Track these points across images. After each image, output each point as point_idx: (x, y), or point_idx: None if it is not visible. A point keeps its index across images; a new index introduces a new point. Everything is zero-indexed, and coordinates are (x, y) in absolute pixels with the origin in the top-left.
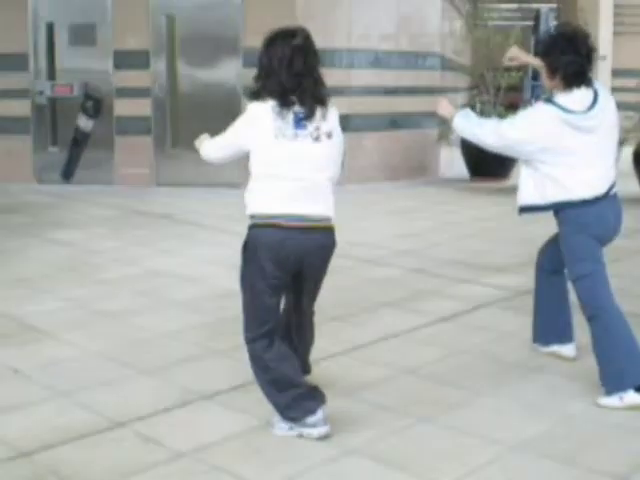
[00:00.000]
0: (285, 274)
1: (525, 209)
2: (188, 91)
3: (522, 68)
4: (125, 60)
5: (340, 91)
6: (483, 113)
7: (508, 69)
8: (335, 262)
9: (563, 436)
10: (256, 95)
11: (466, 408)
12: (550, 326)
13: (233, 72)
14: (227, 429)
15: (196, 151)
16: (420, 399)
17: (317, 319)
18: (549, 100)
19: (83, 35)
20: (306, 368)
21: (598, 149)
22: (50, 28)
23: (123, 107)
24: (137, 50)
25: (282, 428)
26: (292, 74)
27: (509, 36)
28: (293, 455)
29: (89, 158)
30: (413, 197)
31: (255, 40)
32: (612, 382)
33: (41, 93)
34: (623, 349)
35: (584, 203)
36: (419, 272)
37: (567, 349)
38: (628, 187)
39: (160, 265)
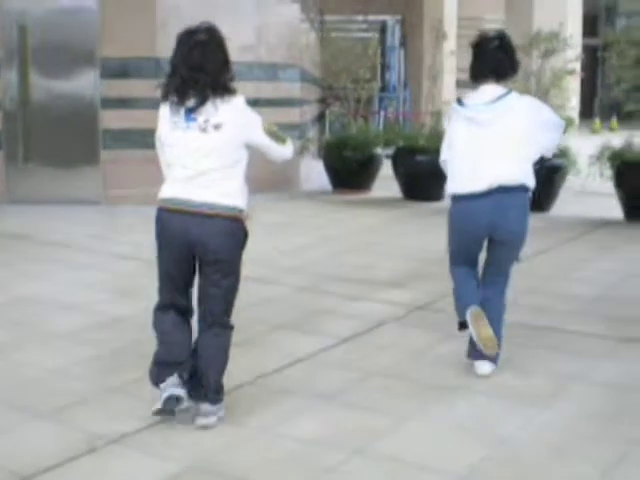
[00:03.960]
0: (175, 255)
1: None
2: (42, 103)
3: (375, 79)
4: None
5: None
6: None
7: (368, 80)
8: None
9: (505, 461)
10: (163, 94)
11: (397, 436)
12: None
13: (90, 83)
14: (145, 477)
15: (50, 166)
16: (346, 429)
17: None
18: (458, 99)
19: None
20: (197, 395)
21: (489, 145)
22: None
23: None
24: None
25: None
26: (188, 69)
27: (368, 47)
28: None
29: None
30: (281, 211)
31: (113, 50)
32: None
33: None
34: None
35: (454, 198)
36: (308, 290)
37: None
38: None
39: (30, 291)
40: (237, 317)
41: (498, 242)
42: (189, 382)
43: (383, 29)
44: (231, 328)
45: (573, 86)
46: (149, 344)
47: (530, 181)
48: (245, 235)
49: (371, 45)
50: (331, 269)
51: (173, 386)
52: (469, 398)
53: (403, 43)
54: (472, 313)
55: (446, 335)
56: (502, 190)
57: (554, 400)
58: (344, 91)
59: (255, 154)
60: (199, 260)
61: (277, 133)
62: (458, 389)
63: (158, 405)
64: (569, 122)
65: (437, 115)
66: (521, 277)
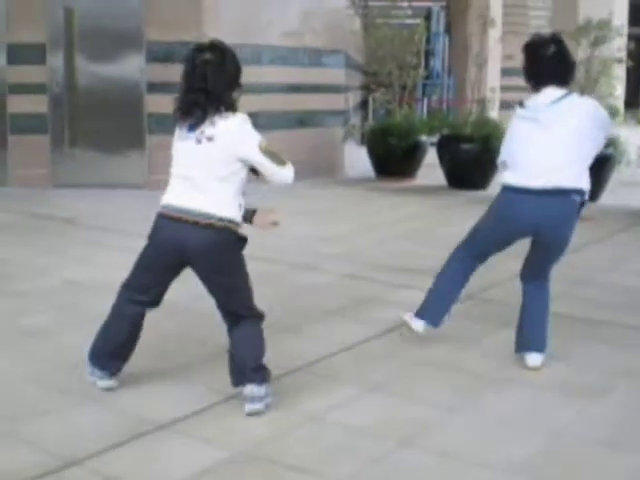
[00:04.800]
0: (162, 259)
1: None
2: (88, 87)
3: (419, 66)
4: (20, 54)
5: (245, 88)
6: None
7: (414, 67)
8: (264, 268)
9: (557, 454)
10: (175, 111)
11: (444, 427)
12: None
13: (136, 67)
14: (195, 463)
15: (96, 150)
16: (395, 419)
17: None
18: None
19: None
20: (240, 379)
21: (549, 145)
22: None
23: (18, 104)
24: (33, 44)
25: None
26: (189, 90)
27: (414, 33)
28: None
29: None
30: (325, 197)
31: (159, 34)
32: None
33: None
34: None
35: (506, 188)
36: (354, 278)
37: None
38: None
39: (77, 275)
40: (283, 304)
41: (543, 244)
42: (231, 374)
43: (428, 15)
44: (259, 317)
45: (619, 75)
46: (197, 329)
47: (586, 184)
48: (239, 241)
49: (418, 31)
50: (376, 257)
51: (108, 378)
52: (519, 390)
53: (448, 30)
54: (417, 325)
55: (494, 326)
56: (556, 192)
57: (606, 393)
58: (389, 77)
59: (300, 141)
60: (192, 267)
61: (276, 154)
62: (508, 381)
63: (92, 379)
64: (615, 112)
65: (482, 103)
66: (571, 268)
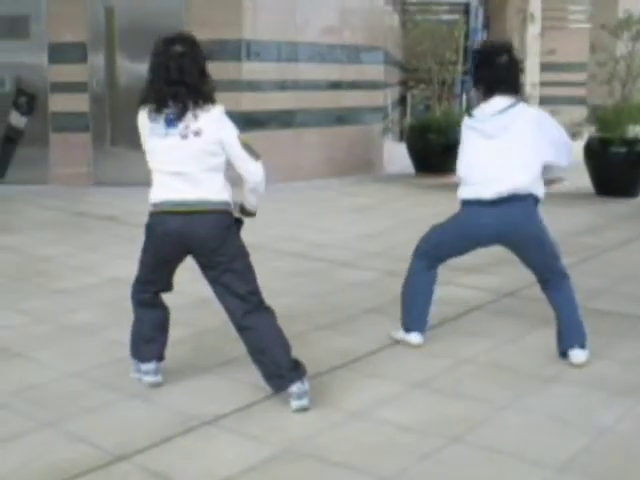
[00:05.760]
0: (166, 254)
1: None
2: (128, 86)
3: (458, 62)
4: (61, 53)
5: (283, 85)
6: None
7: (454, 63)
8: (305, 265)
9: (605, 452)
10: (143, 102)
11: (493, 425)
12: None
13: None
14: (241, 460)
15: (136, 148)
16: (440, 416)
17: (302, 328)
18: (468, 111)
19: (15, 27)
20: (281, 383)
21: (498, 154)
22: None
23: (59, 103)
24: (74, 43)
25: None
26: (167, 82)
27: (454, 29)
28: None
29: (23, 156)
30: (365, 194)
31: (199, 32)
32: None
33: None
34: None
35: (465, 202)
36: (396, 275)
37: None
38: (580, 181)
39: (120, 273)
40: (325, 301)
41: (515, 248)
42: (268, 379)
43: (466, 11)
44: (267, 307)
45: None
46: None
47: (539, 190)
48: (237, 223)
49: (457, 26)
50: None
51: (153, 373)
52: (564, 388)
53: (486, 25)
54: (415, 339)
55: (536, 323)
56: (511, 199)
57: None
58: (428, 73)
59: (339, 138)
60: (197, 257)
61: (252, 148)
62: (553, 378)
63: (137, 375)
64: None
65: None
66: (614, 265)
